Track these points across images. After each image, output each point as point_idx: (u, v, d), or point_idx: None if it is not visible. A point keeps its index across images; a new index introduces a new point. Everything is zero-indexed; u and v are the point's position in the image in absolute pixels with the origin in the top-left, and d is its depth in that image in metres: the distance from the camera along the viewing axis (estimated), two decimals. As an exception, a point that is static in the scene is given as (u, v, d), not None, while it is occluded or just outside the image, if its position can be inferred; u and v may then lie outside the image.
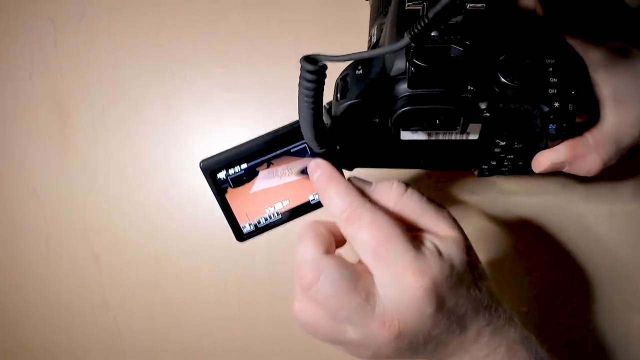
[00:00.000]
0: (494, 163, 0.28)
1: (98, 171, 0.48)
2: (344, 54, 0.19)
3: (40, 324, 0.53)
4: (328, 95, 0.26)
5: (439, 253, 0.24)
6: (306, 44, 0.43)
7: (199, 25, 0.45)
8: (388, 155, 0.30)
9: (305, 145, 0.28)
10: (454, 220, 0.27)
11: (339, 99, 0.25)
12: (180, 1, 0.45)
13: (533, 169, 0.26)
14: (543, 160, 0.26)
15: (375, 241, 0.23)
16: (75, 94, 0.48)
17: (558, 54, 0.24)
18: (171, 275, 0.48)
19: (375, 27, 0.32)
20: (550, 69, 0.23)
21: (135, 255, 0.49)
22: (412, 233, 0.26)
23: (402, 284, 0.23)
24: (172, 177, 0.47)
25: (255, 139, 0.27)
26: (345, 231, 0.25)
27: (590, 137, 0.25)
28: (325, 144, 0.24)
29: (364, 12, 0.33)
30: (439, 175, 0.41)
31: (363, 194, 0.26)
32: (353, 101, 0.24)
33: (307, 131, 0.23)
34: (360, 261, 0.25)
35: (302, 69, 0.19)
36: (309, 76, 0.19)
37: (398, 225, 0.24)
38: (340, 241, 0.27)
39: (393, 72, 0.23)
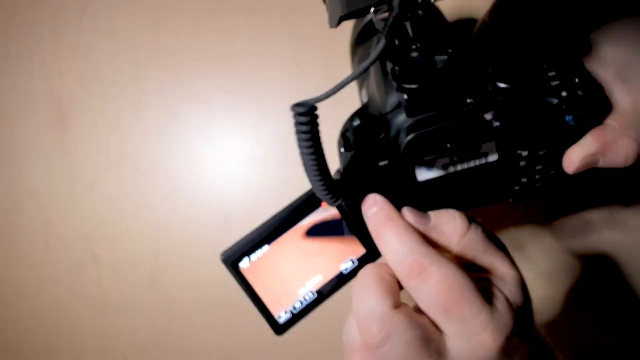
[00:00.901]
0: (525, 180, 0.26)
1: (97, 171, 0.48)
2: (327, 90, 0.19)
3: (40, 324, 0.51)
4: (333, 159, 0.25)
5: (509, 304, 0.22)
6: (306, 44, 0.43)
7: (199, 25, 0.45)
8: (411, 205, 0.28)
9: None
10: (511, 257, 0.25)
11: (342, 152, 0.25)
12: (180, 1, 0.46)
13: (566, 170, 0.25)
14: (573, 156, 0.24)
15: (446, 299, 0.21)
16: (74, 94, 0.48)
17: (545, 52, 0.24)
18: (171, 275, 0.47)
19: (364, 89, 0.33)
20: (544, 65, 0.23)
21: (135, 255, 0.48)
22: (475, 274, 0.24)
23: (476, 343, 0.21)
24: (172, 177, 0.46)
25: (272, 217, 0.26)
26: (406, 283, 0.22)
27: (612, 122, 0.23)
28: (338, 194, 0.23)
29: None
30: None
31: (421, 232, 0.24)
32: (357, 149, 0.24)
33: (315, 183, 0.22)
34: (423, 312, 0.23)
35: (294, 116, 0.19)
36: (302, 119, 0.19)
37: (468, 278, 0.22)
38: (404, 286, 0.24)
39: (388, 109, 0.23)
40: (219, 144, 0.47)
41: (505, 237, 0.40)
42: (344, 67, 0.36)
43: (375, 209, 0.24)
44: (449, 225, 0.24)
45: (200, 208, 0.47)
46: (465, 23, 0.37)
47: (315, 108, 0.19)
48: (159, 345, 0.49)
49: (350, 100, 0.32)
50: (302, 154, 0.20)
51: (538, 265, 0.41)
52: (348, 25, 0.36)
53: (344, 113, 0.26)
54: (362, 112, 0.25)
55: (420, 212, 0.24)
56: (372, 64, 0.19)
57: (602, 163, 0.24)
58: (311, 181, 0.22)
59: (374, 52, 0.19)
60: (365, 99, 0.31)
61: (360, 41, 0.34)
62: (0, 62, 0.50)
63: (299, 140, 0.20)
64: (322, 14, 0.43)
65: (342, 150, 0.25)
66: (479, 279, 0.24)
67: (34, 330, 0.52)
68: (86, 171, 0.49)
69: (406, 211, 0.24)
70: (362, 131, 0.24)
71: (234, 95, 0.46)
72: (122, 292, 0.49)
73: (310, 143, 0.19)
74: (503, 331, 0.21)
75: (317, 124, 0.19)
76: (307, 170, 0.21)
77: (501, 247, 0.25)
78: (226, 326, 0.47)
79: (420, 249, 0.22)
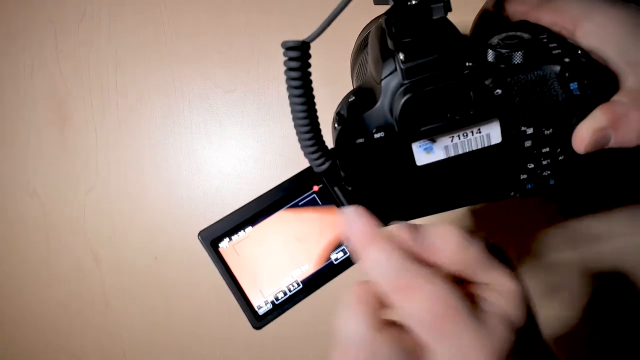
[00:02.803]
0: (532, 166, 0.24)
1: (98, 171, 0.48)
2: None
3: (40, 324, 0.51)
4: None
5: (503, 318, 0.21)
6: None
7: (199, 25, 0.46)
8: (411, 197, 0.26)
9: (314, 195, 0.25)
10: (514, 270, 0.23)
11: (336, 127, 0.23)
12: (181, 2, 0.46)
13: (576, 149, 0.23)
14: (583, 131, 0.22)
15: (433, 316, 0.20)
16: (75, 94, 0.48)
17: (546, 31, 0.23)
18: (171, 275, 0.47)
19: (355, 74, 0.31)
20: (545, 40, 0.23)
21: (135, 255, 0.48)
22: (468, 287, 0.22)
23: None
24: (172, 177, 0.47)
25: (258, 197, 0.24)
26: (394, 299, 0.21)
27: (621, 97, 0.22)
28: (328, 154, 0.21)
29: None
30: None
31: (413, 247, 0.22)
32: (349, 119, 0.22)
33: (302, 135, 0.20)
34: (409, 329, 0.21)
35: (284, 53, 0.18)
36: (292, 54, 0.17)
37: (458, 293, 0.20)
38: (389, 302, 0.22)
39: (384, 75, 0.21)
40: (219, 143, 0.47)
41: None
42: (344, 65, 0.36)
43: (355, 226, 0.22)
44: (445, 243, 0.22)
45: (200, 208, 0.47)
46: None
47: (307, 46, 0.18)
48: (159, 345, 0.49)
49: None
50: (291, 96, 0.19)
51: (541, 279, 0.39)
52: (350, 23, 0.36)
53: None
54: (358, 90, 0.24)
55: (413, 227, 0.22)
56: None
57: (614, 141, 0.22)
58: (298, 134, 0.20)
59: None
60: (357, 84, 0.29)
61: (361, 48, 0.34)
62: (1, 62, 0.51)
63: (288, 80, 0.18)
64: (322, 14, 0.44)
65: (336, 125, 0.23)
66: (473, 295, 0.22)
67: (34, 330, 0.52)
68: (87, 171, 0.49)
69: (398, 227, 0.22)
70: (356, 105, 0.23)
71: (234, 94, 0.46)
72: (123, 292, 0.49)
73: (300, 82, 0.18)
74: (495, 349, 0.20)
75: (308, 64, 0.18)
76: (295, 119, 0.20)
77: (504, 260, 0.23)
78: (226, 326, 0.47)
79: (405, 265, 0.21)
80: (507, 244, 0.24)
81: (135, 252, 0.48)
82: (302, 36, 0.47)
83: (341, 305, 0.22)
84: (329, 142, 0.24)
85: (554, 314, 0.40)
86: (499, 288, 0.22)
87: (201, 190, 0.47)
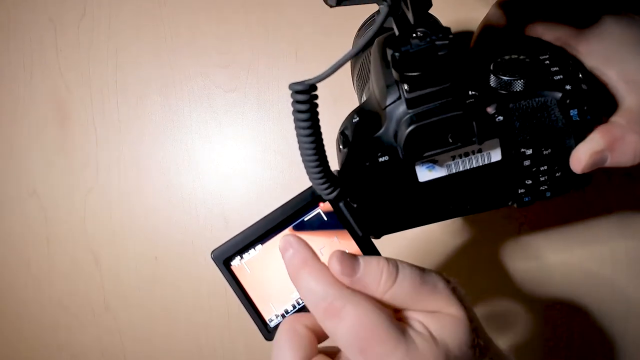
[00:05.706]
0: (530, 182, 0.25)
1: (98, 171, 0.48)
2: (325, 69, 0.18)
3: (40, 325, 0.51)
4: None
5: (433, 338, 0.21)
6: (306, 44, 0.44)
7: (200, 26, 0.46)
8: (413, 209, 0.27)
9: (321, 212, 0.26)
10: (454, 294, 0.23)
11: (341, 149, 0.24)
12: (181, 2, 0.46)
13: (573, 169, 0.24)
14: (581, 154, 0.23)
15: (359, 338, 0.20)
16: (75, 94, 0.48)
17: (548, 50, 0.24)
18: (171, 276, 0.47)
19: (365, 94, 0.32)
20: (547, 62, 0.23)
21: (135, 255, 0.48)
22: (404, 312, 0.23)
23: None
24: (172, 178, 0.47)
25: (266, 216, 0.25)
26: (324, 325, 0.22)
27: (619, 119, 0.23)
28: (335, 183, 0.22)
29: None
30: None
31: (348, 277, 0.22)
32: (355, 143, 0.23)
33: (311, 170, 0.21)
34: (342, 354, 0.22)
35: (292, 95, 0.19)
36: (300, 97, 0.18)
37: (385, 316, 0.21)
38: (322, 335, 0.23)
39: (388, 102, 0.22)
40: (219, 143, 0.47)
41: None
42: (345, 65, 0.36)
43: (291, 251, 0.22)
44: (375, 277, 0.22)
45: (200, 208, 0.47)
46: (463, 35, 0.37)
47: (315, 87, 0.18)
48: (159, 346, 0.49)
49: (354, 105, 0.32)
50: (299, 136, 0.20)
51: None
52: (349, 22, 0.36)
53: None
54: (362, 110, 0.24)
55: (350, 259, 0.22)
56: (376, 31, 0.18)
57: (610, 162, 0.23)
58: (307, 168, 0.21)
59: (379, 18, 0.18)
60: (365, 99, 0.30)
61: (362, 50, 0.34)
62: (0, 61, 0.50)
63: (297, 121, 0.19)
64: (321, 12, 0.44)
65: (341, 147, 0.24)
66: (405, 318, 0.22)
67: (34, 330, 0.52)
68: (86, 171, 0.49)
69: (334, 261, 0.22)
70: (361, 128, 0.23)
71: (234, 94, 0.46)
72: (123, 292, 0.49)
73: (308, 124, 0.19)
74: None
75: (316, 105, 0.19)
76: (303, 155, 0.20)
77: (438, 287, 0.23)
78: (226, 327, 0.47)
79: (334, 291, 0.21)
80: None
81: (135, 253, 0.48)
82: (302, 36, 0.47)
83: (274, 340, 0.23)
84: (331, 147, 0.25)
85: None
86: (437, 314, 0.22)
87: (201, 190, 0.47)
